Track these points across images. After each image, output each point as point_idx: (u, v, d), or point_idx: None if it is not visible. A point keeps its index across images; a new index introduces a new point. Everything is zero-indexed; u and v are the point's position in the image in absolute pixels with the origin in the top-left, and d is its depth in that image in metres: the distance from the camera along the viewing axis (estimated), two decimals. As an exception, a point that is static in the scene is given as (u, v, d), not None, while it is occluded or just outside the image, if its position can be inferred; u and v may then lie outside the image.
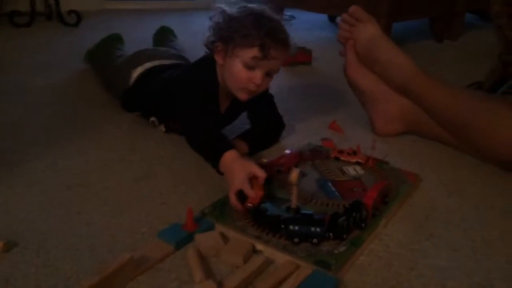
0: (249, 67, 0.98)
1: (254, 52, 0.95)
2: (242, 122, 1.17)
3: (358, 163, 1.01)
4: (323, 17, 2.70)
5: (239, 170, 0.86)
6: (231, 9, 0.99)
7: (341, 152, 1.04)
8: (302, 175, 0.79)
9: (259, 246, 0.76)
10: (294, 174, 0.77)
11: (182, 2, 3.36)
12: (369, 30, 1.15)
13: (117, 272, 0.67)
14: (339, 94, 1.45)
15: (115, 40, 1.62)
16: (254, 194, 0.83)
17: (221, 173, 0.92)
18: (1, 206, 0.87)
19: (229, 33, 0.97)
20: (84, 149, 1.08)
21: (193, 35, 2.24)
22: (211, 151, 0.94)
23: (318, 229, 0.75)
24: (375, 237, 0.80)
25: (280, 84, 1.57)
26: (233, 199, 0.83)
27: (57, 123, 1.23)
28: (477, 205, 0.91)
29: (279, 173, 0.96)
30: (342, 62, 1.23)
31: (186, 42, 2.02)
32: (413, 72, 1.12)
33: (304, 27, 2.52)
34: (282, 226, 0.76)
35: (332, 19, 2.71)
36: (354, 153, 1.03)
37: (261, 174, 0.86)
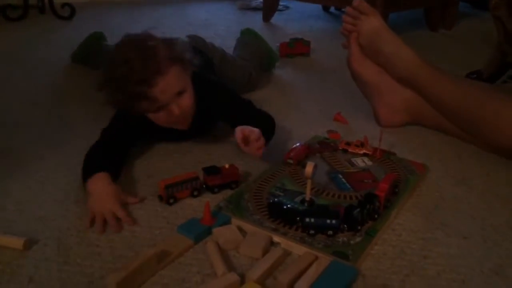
0: (156, 111, 0.93)
1: (144, 105, 0.91)
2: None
3: (365, 155, 1.03)
4: (317, 7, 2.71)
5: (112, 194, 0.85)
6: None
7: (348, 144, 1.05)
8: (316, 168, 0.81)
9: (277, 239, 0.78)
10: (309, 167, 0.79)
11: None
12: (372, 23, 1.17)
13: (141, 268, 0.68)
14: (341, 85, 1.46)
15: (98, 38, 1.60)
16: (127, 217, 0.82)
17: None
18: (17, 204, 0.87)
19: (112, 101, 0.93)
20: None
21: (187, 26, 2.25)
22: (87, 165, 0.91)
23: (333, 221, 0.77)
24: (388, 227, 0.82)
25: (280, 77, 1.59)
26: (87, 224, 0.81)
27: (61, 120, 1.23)
28: (483, 193, 0.94)
29: (289, 166, 0.98)
30: (341, 53, 1.25)
31: (179, 33, 2.03)
32: (417, 64, 1.13)
33: (299, 17, 2.52)
34: (298, 218, 0.78)
35: (326, 9, 2.71)
36: (362, 144, 1.04)
37: (133, 201, 0.87)
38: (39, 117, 1.24)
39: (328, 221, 0.77)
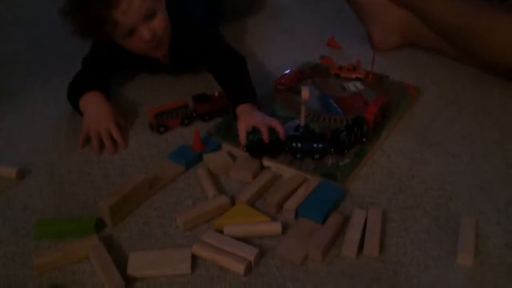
0: (129, 36, 0.88)
1: (107, 29, 0.86)
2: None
3: (358, 79, 1.01)
4: None
5: (108, 112, 0.85)
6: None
7: (340, 68, 1.04)
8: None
9: (267, 162, 0.79)
10: (305, 92, 0.76)
11: None
12: None
13: (133, 192, 0.69)
14: (335, 10, 1.41)
15: None
16: (122, 140, 0.83)
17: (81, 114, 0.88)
18: (8, 138, 0.88)
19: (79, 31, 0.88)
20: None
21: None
22: (74, 90, 0.90)
23: (320, 145, 0.77)
24: (377, 148, 0.83)
25: (274, 2, 1.53)
26: (80, 141, 0.83)
27: (48, 53, 1.20)
28: (475, 113, 0.93)
29: (281, 92, 0.97)
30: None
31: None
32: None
33: None
34: (286, 142, 0.78)
35: None
36: (354, 68, 1.02)
37: (127, 124, 0.87)
38: (25, 51, 1.21)
39: (315, 145, 0.77)
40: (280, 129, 0.79)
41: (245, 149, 0.79)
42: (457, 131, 0.88)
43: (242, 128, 0.80)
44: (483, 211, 0.70)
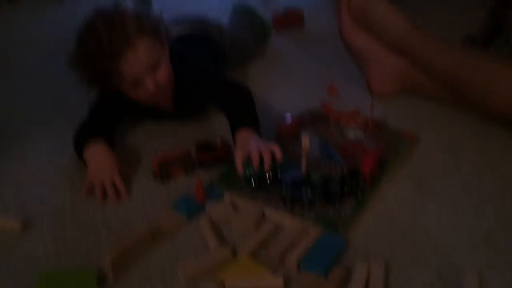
0: (133, 85, 0.91)
1: (114, 79, 0.89)
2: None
3: (357, 126, 1.03)
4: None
5: (112, 162, 0.87)
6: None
7: (340, 115, 1.05)
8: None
9: (268, 212, 0.79)
10: (305, 140, 0.77)
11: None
12: (362, -11, 1.15)
13: (135, 244, 0.70)
14: (334, 57, 1.45)
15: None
16: (125, 189, 0.84)
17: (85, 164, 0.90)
18: (13, 185, 0.89)
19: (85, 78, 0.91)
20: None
21: (181, 2, 2.21)
22: (79, 139, 0.92)
23: (309, 193, 0.78)
24: (378, 197, 0.83)
25: (274, 50, 1.57)
26: (84, 191, 0.84)
27: (56, 101, 1.23)
28: (475, 161, 0.94)
29: (281, 139, 0.98)
30: (335, 23, 1.23)
31: (174, 8, 2.00)
32: (408, 29, 1.12)
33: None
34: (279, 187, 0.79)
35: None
36: (354, 115, 1.04)
37: (130, 173, 0.89)
38: (33, 99, 1.24)
39: (304, 192, 0.78)
40: (277, 154, 0.80)
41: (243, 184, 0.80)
42: (457, 179, 0.89)
43: (238, 158, 0.81)
44: (486, 263, 0.69)
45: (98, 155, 0.89)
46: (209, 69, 1.03)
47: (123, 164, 0.90)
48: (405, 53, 1.14)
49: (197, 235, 0.76)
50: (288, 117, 1.04)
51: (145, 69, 0.90)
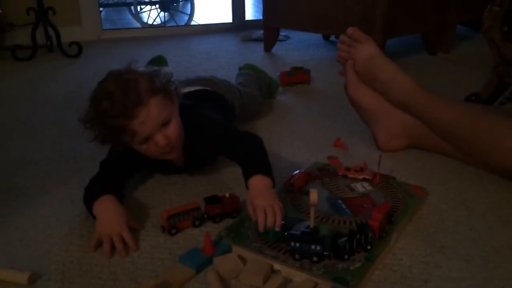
0: (145, 142, 0.93)
1: (126, 137, 0.92)
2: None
3: (365, 180, 1.04)
4: (318, 36, 2.76)
5: (120, 216, 0.88)
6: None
7: (348, 169, 1.07)
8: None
9: (277, 266, 0.78)
10: (313, 195, 0.78)
11: (176, 28, 3.43)
12: (367, 50, 1.20)
13: (142, 299, 0.69)
14: (341, 112, 1.48)
15: (159, 61, 1.66)
16: (133, 243, 0.85)
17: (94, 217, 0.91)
18: (23, 239, 0.89)
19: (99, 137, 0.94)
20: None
21: (191, 59, 2.31)
22: (89, 193, 0.94)
23: (318, 247, 0.77)
24: (388, 251, 0.82)
25: (282, 105, 1.61)
26: (92, 245, 0.85)
27: (67, 156, 1.26)
28: (484, 215, 0.94)
29: (290, 193, 0.99)
30: (341, 80, 1.27)
31: (185, 66, 2.08)
32: (412, 89, 1.15)
33: (300, 47, 2.57)
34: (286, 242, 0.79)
35: (327, 37, 2.77)
36: (361, 169, 1.05)
37: (139, 227, 0.90)
38: (46, 153, 1.27)
39: (313, 246, 0.77)
40: (278, 218, 0.82)
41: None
42: (467, 233, 0.88)
43: (260, 213, 0.83)
44: (501, 320, 0.67)
45: (106, 209, 0.90)
46: (218, 122, 1.06)
47: (132, 217, 0.91)
48: (410, 111, 1.17)
49: (205, 290, 0.75)
50: (297, 172, 1.05)
51: (156, 126, 0.93)
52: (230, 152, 1.02)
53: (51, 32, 2.42)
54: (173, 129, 0.95)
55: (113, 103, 0.89)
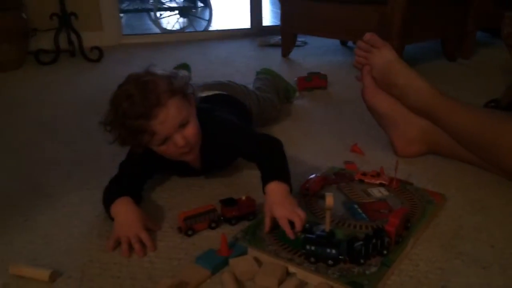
0: (164, 143, 0.95)
1: (146, 139, 0.94)
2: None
3: (382, 185, 1.04)
4: (335, 42, 2.76)
5: (137, 218, 0.90)
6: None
7: (364, 174, 1.07)
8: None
9: (292, 269, 0.79)
10: (329, 199, 0.78)
11: (195, 34, 3.48)
12: (384, 56, 1.19)
13: (159, 298, 0.70)
14: (357, 117, 1.48)
15: (183, 68, 1.69)
16: (151, 243, 0.86)
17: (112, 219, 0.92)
18: (45, 237, 0.91)
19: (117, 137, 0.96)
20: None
21: (209, 64, 2.33)
22: (107, 195, 0.96)
23: (333, 251, 0.77)
24: (405, 257, 0.82)
25: (299, 110, 1.62)
26: (110, 246, 0.86)
27: (88, 157, 1.29)
28: (502, 221, 0.93)
29: (305, 197, 0.99)
30: (358, 85, 1.27)
31: (203, 71, 2.10)
32: (431, 95, 1.15)
33: (317, 52, 2.58)
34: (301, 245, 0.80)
35: (344, 43, 2.77)
36: (378, 175, 1.05)
37: (156, 228, 0.92)
38: (67, 155, 1.30)
39: (328, 250, 0.77)
40: (297, 225, 0.84)
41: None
42: (485, 239, 0.87)
43: (284, 225, 0.84)
44: (519, 328, 0.67)
45: (124, 211, 0.91)
46: (236, 125, 1.08)
47: (149, 218, 0.92)
48: (428, 117, 1.16)
49: (220, 291, 0.76)
50: (313, 176, 1.06)
51: (175, 127, 0.95)
52: (249, 155, 1.03)
53: (73, 37, 2.48)
54: (191, 130, 0.97)
55: (133, 104, 0.91)
